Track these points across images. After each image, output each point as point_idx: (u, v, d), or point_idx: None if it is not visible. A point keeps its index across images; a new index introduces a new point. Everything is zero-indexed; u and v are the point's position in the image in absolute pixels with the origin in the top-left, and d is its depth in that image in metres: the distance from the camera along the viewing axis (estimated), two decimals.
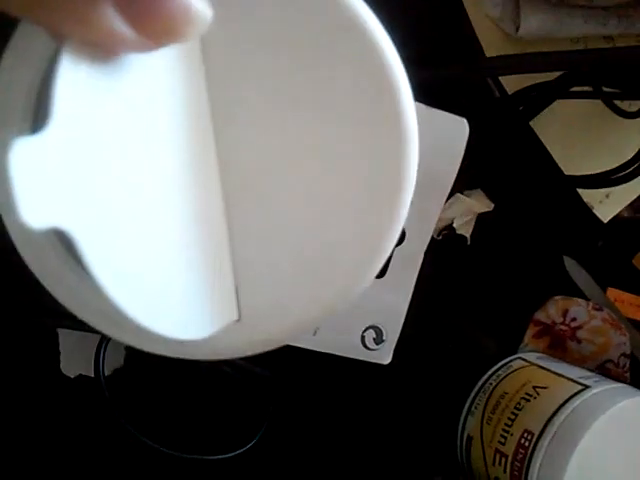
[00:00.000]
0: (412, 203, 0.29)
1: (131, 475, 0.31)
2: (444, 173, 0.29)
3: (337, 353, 0.29)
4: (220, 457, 0.30)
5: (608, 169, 0.33)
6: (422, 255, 0.29)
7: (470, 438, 0.34)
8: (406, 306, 0.29)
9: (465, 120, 0.28)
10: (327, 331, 0.29)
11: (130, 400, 0.30)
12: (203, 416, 0.32)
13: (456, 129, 0.28)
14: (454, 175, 0.28)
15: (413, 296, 0.30)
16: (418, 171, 0.17)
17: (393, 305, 0.29)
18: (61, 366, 0.30)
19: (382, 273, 0.29)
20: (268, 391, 0.31)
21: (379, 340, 0.29)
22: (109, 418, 0.29)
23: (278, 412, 0.32)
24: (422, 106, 0.27)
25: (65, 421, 0.30)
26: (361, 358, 0.29)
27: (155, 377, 0.31)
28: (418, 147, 0.16)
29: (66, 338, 0.29)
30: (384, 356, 0.29)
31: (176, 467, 0.31)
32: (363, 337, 0.29)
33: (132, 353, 0.31)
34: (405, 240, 0.29)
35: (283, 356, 0.30)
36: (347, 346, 0.29)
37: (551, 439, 0.30)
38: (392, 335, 0.29)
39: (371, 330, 0.29)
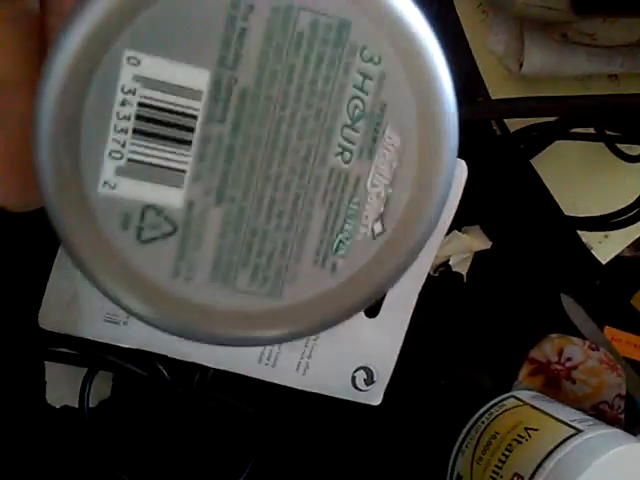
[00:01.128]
0: None
1: None
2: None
3: (327, 393, 0.28)
4: None
5: (608, 212, 0.32)
6: (416, 296, 0.29)
7: (460, 477, 0.33)
8: (398, 347, 0.29)
9: (464, 162, 0.28)
10: (317, 371, 0.28)
11: (115, 432, 0.30)
12: (189, 452, 0.31)
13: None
14: (450, 218, 0.28)
15: (407, 333, 0.29)
16: None
17: (385, 346, 0.29)
18: (46, 396, 0.29)
19: (374, 313, 0.29)
20: (255, 430, 0.31)
21: (370, 381, 0.29)
22: (92, 450, 0.29)
23: (265, 452, 0.31)
24: None
25: (49, 451, 0.30)
26: (351, 399, 0.29)
27: (142, 409, 0.31)
28: None
29: (52, 368, 0.29)
30: (374, 397, 0.29)
31: None
32: (354, 378, 0.28)
33: (119, 384, 0.30)
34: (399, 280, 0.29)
35: (271, 395, 0.30)
36: (337, 387, 0.28)
37: None
38: (383, 376, 0.29)
39: (362, 371, 0.28)
